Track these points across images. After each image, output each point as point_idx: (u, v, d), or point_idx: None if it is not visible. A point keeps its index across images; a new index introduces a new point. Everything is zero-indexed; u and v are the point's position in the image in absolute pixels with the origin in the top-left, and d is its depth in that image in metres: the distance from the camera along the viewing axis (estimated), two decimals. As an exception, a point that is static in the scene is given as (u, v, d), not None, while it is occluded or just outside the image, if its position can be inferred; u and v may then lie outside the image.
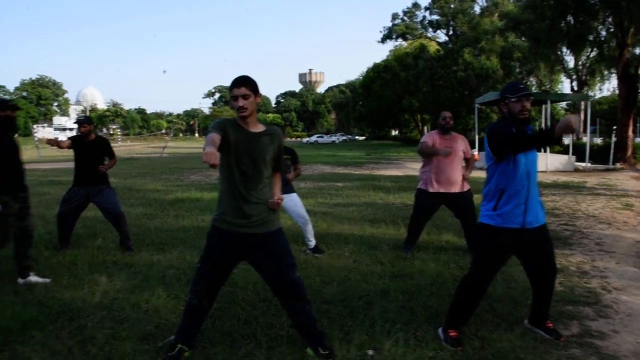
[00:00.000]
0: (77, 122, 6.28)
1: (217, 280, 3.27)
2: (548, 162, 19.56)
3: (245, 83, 3.04)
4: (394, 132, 79.08)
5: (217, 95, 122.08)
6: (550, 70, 36.81)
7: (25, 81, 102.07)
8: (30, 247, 5.14)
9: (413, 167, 20.98)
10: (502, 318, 4.04)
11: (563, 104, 43.01)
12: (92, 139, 6.29)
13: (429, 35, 53.93)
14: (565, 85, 47.27)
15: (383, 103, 54.68)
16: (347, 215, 8.99)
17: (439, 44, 52.36)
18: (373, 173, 18.91)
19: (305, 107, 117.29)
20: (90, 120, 6.38)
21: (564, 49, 31.15)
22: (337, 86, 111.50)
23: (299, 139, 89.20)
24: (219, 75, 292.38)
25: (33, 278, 4.98)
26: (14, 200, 4.85)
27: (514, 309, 4.23)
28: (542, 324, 3.74)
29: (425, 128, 57.99)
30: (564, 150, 22.68)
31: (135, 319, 3.96)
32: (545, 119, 22.71)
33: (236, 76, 3.08)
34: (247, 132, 3.11)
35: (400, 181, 15.23)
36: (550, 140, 3.32)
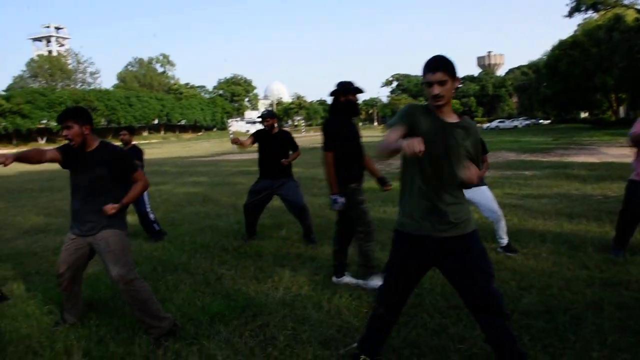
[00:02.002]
0: (261, 116, 6.38)
1: (405, 290, 2.91)
2: None
3: (441, 67, 2.60)
4: (583, 115, 71.91)
5: (394, 84, 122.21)
6: None
7: (222, 80, 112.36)
8: (349, 243, 4.86)
9: (610, 153, 18.60)
10: None
11: None
12: (275, 132, 6.38)
13: (625, 2, 47.52)
14: None
15: (571, 83, 49.50)
16: (540, 208, 8.08)
17: (638, 11, 45.89)
18: (563, 160, 17.09)
19: (485, 91, 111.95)
20: (274, 114, 6.45)
21: None
22: (519, 67, 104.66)
23: (479, 124, 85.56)
24: (396, 64, 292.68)
25: (347, 279, 4.76)
26: (360, 188, 4.66)
27: None
28: None
29: (621, 108, 51.61)
30: None
31: (317, 320, 3.82)
32: None
33: (430, 58, 2.65)
34: (443, 121, 2.70)
35: (596, 169, 13.53)
36: None
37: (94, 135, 3.68)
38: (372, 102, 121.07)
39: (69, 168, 3.67)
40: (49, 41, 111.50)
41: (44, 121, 67.57)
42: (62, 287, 3.81)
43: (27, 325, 3.94)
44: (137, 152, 7.00)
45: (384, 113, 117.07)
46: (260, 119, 6.41)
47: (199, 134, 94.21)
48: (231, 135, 46.49)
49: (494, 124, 72.01)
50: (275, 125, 6.42)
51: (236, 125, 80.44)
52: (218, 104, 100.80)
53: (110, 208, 3.57)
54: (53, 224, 8.91)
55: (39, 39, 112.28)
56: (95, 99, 71.64)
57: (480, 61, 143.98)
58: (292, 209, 6.32)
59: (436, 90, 2.59)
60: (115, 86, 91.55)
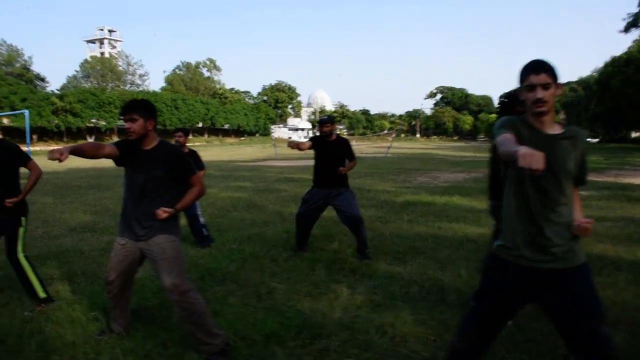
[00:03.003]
0: (320, 121, 6.08)
1: (495, 324, 2.53)
2: None
3: (546, 68, 2.29)
4: (634, 134, 69.20)
5: (438, 96, 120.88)
6: None
7: (266, 87, 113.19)
8: None
9: (670, 176, 17.66)
10: None
11: None
12: (333, 139, 6.08)
13: (686, 18, 45.63)
14: None
15: (623, 101, 47.66)
16: (606, 232, 7.52)
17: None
18: (619, 181, 16.21)
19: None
20: (333, 120, 6.15)
21: None
22: (567, 84, 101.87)
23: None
24: (440, 76, 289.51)
25: None
26: None
27: None
28: None
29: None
30: None
31: (381, 346, 3.48)
32: None
33: (530, 60, 2.34)
34: (544, 134, 2.35)
35: (659, 192, 12.77)
36: None
37: (155, 133, 3.46)
38: (415, 114, 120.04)
39: (125, 166, 3.45)
40: (102, 43, 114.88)
41: (94, 120, 69.48)
42: (111, 295, 3.59)
43: (72, 332, 3.73)
44: (194, 155, 6.84)
45: (427, 125, 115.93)
46: (318, 125, 6.12)
47: (242, 138, 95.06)
48: (274, 139, 46.60)
49: (541, 140, 70.20)
50: (333, 132, 6.13)
51: (278, 132, 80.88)
52: (262, 110, 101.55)
53: (163, 212, 3.31)
54: (100, 222, 8.84)
55: (92, 41, 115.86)
56: (143, 101, 73.13)
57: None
58: (347, 221, 5.93)
59: (539, 93, 2.28)
60: (163, 89, 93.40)
